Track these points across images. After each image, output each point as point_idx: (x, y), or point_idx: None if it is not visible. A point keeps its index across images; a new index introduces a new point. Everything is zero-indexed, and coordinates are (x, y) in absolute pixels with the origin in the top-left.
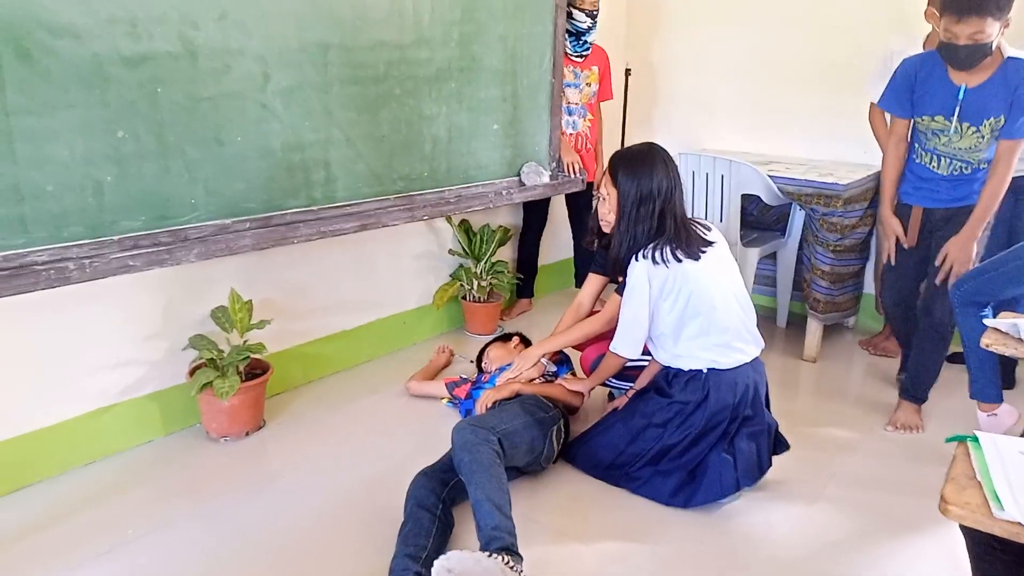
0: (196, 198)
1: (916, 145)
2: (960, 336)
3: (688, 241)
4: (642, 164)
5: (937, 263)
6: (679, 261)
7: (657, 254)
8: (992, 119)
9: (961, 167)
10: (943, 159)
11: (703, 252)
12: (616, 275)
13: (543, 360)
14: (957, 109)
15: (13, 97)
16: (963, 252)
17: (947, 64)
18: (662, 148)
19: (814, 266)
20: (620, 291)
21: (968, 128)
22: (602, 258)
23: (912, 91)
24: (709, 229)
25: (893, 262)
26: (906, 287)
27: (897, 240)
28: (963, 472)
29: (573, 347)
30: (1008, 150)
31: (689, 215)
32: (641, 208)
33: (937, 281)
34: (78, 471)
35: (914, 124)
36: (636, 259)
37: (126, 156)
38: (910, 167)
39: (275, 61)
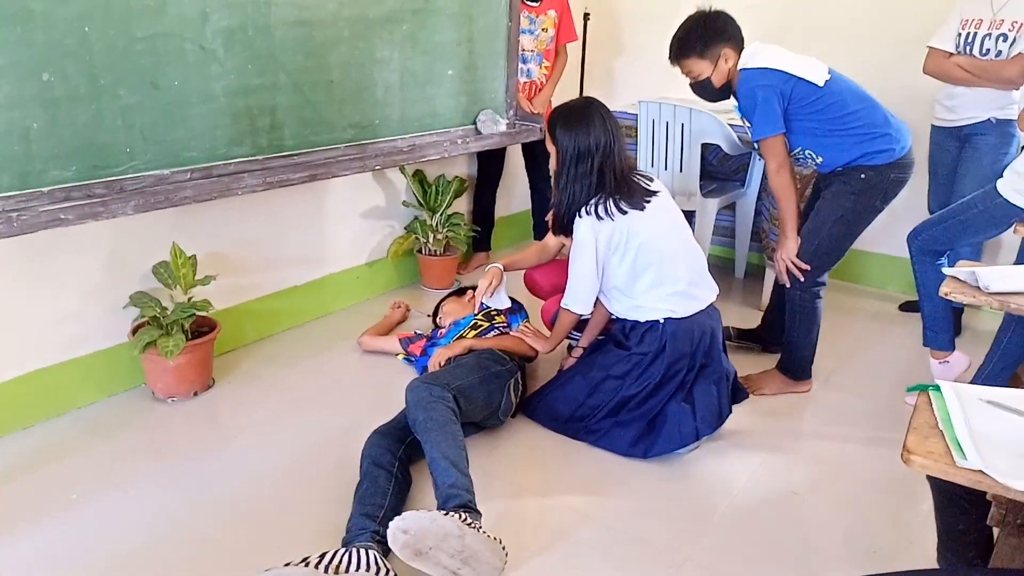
0: (132, 146)
1: None
2: (916, 284)
3: (631, 192)
4: (579, 120)
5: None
6: (624, 213)
7: (600, 209)
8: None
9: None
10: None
11: (647, 202)
12: (561, 232)
13: (503, 313)
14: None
15: None
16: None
17: None
18: (600, 103)
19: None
20: None
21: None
22: None
23: None
24: (651, 180)
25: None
26: None
27: None
28: (925, 421)
29: (532, 288)
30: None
31: (642, 166)
32: (579, 165)
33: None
34: (16, 435)
35: None
36: (580, 216)
37: (54, 100)
38: None
39: (214, 0)
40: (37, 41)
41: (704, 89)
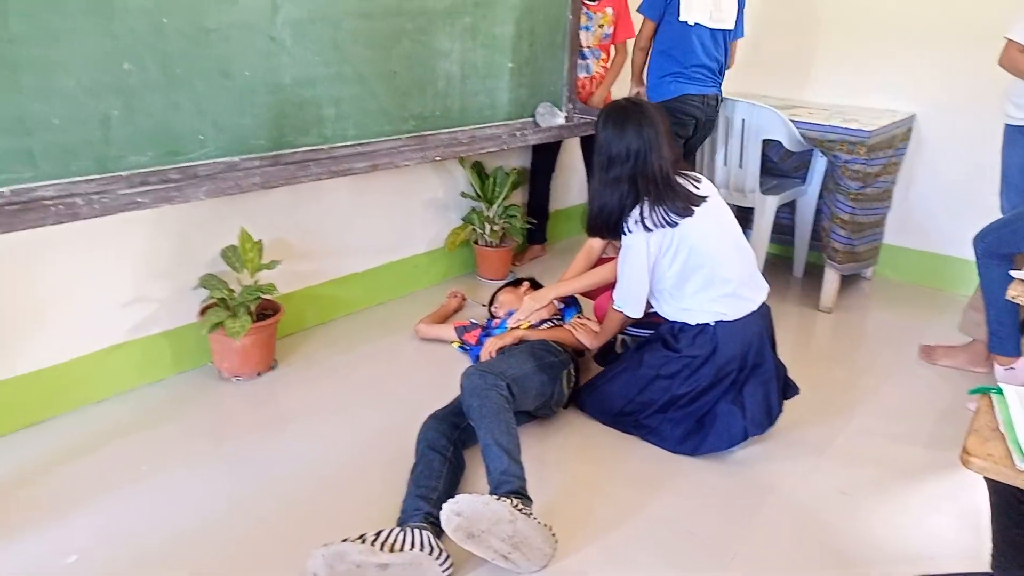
0: (205, 134)
1: None
2: (981, 288)
3: (675, 200)
4: (614, 124)
5: None
6: (674, 225)
7: (648, 221)
8: None
9: None
10: None
11: (696, 207)
12: (594, 234)
13: (554, 302)
14: None
15: (16, 25)
16: None
17: None
18: (644, 107)
19: (834, 215)
20: None
21: None
22: None
23: None
24: (699, 181)
25: None
26: None
27: None
28: (986, 424)
29: (583, 295)
30: None
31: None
32: (610, 169)
33: None
34: (91, 408)
35: None
36: (628, 230)
37: (133, 89)
38: None
39: None
40: (117, 32)
41: None
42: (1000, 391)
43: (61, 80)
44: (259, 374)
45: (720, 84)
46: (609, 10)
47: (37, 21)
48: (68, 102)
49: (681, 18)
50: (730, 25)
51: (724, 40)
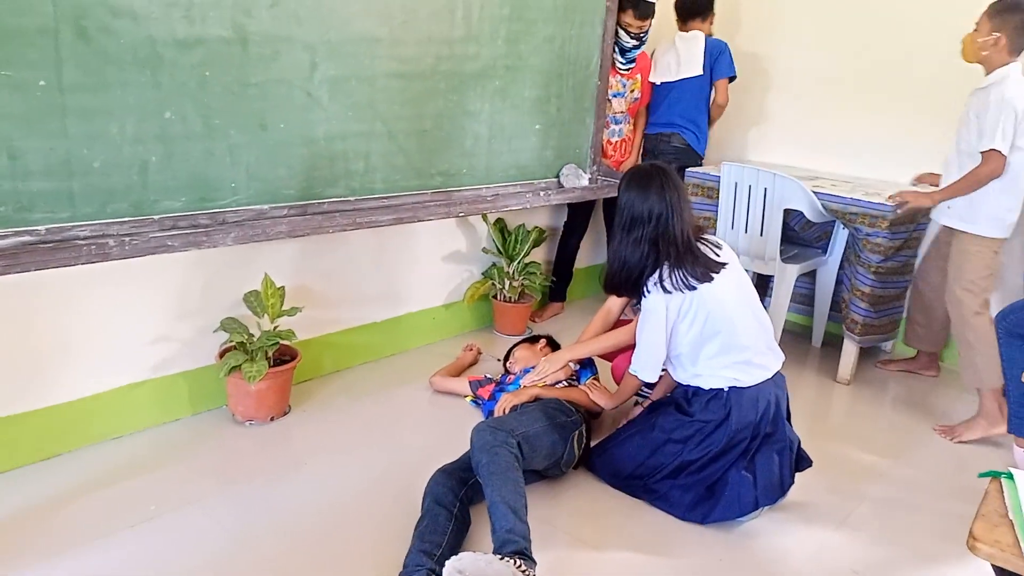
0: (237, 182)
1: None
2: (1002, 367)
3: (695, 264)
4: (638, 186)
5: None
6: (692, 289)
7: (667, 283)
8: None
9: None
10: None
11: (715, 273)
12: (611, 292)
13: (570, 364)
14: None
15: (69, 74)
16: None
17: None
18: (666, 171)
19: (854, 287)
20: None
21: None
22: None
23: None
24: (720, 247)
25: None
26: None
27: None
28: (995, 509)
29: (600, 356)
30: None
31: (722, 228)
32: (632, 230)
33: None
34: (108, 444)
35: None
36: (647, 291)
37: (172, 137)
38: None
39: (323, 51)
40: (163, 83)
41: None
42: (1010, 476)
43: (106, 126)
44: (272, 419)
45: (678, 124)
46: (639, 76)
47: (89, 71)
48: (111, 147)
49: (653, 80)
50: (693, 72)
51: (689, 87)
